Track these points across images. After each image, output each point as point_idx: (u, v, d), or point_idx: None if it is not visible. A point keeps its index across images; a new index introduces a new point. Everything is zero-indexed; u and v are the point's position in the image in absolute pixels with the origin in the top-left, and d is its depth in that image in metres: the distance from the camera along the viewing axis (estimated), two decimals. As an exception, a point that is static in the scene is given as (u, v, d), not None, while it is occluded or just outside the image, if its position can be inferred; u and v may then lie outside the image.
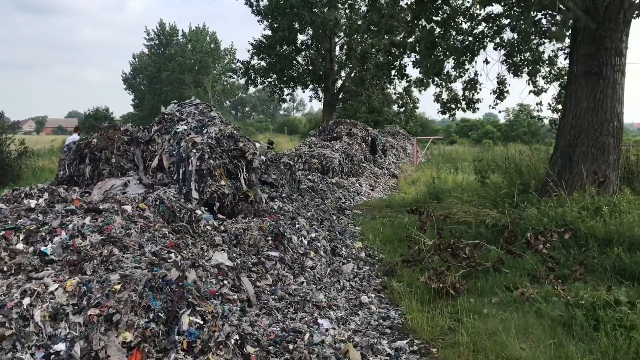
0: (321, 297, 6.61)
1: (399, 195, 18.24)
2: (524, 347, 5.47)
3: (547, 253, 8.01)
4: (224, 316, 4.34)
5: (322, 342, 5.26)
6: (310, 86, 36.34)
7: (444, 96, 15.80)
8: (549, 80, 17.07)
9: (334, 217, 11.94)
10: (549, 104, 16.48)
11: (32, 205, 6.25)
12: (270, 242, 7.29)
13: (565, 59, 15.81)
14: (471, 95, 15.23)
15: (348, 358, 5.17)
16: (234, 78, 66.51)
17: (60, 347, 3.79)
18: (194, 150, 7.86)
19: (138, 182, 7.90)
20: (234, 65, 57.61)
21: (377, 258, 9.37)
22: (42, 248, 5.16)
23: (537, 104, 17.20)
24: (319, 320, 5.98)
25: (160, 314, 3.94)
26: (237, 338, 4.12)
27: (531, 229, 8.24)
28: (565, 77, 13.80)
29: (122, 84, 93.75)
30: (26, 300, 3.99)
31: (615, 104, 10.91)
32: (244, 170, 8.26)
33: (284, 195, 9.84)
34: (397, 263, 8.81)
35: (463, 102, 15.44)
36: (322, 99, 36.70)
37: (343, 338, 5.59)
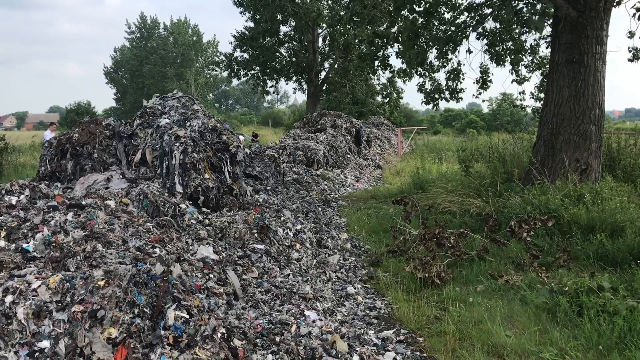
0: (307, 288, 6.60)
1: (384, 186, 18.29)
2: (509, 335, 5.51)
3: (530, 241, 8.08)
4: (210, 310, 4.31)
5: (309, 334, 5.27)
6: (294, 78, 36.20)
7: (427, 86, 15.83)
8: (531, 69, 17.20)
9: (319, 209, 11.94)
10: (531, 92, 16.59)
11: (13, 202, 6.15)
12: (255, 235, 7.26)
13: (547, 47, 15.92)
14: (454, 85, 15.27)
15: (335, 349, 5.18)
16: (216, 71, 66.15)
17: (45, 344, 3.74)
18: (177, 144, 7.79)
19: (121, 176, 7.82)
20: (216, 58, 57.21)
21: (362, 249, 9.39)
22: (24, 245, 5.08)
23: (519, 93, 17.32)
24: (306, 312, 5.98)
25: (145, 309, 3.90)
26: (224, 331, 4.10)
27: (515, 217, 8.29)
28: (547, 66, 13.87)
29: (103, 78, 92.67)
30: (9, 298, 3.93)
31: (597, 91, 11.00)
32: (228, 164, 8.21)
33: (268, 187, 9.80)
34: (383, 253, 8.84)
35: (447, 92, 15.48)
36: (306, 91, 36.60)
37: (330, 329, 5.60)
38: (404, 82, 33.71)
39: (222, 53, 36.87)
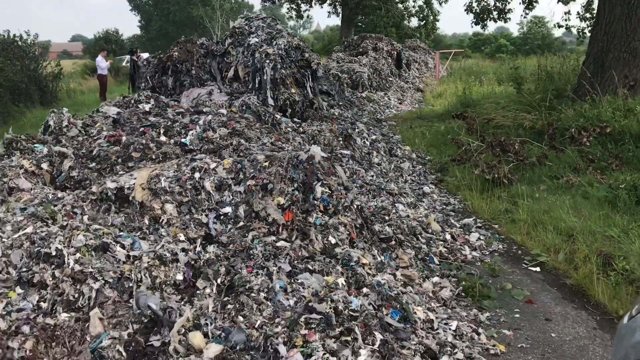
0: (393, 186, 7.57)
1: (428, 108, 18.90)
2: (576, 220, 6.43)
3: (583, 149, 8.89)
4: (345, 188, 5.27)
5: (407, 217, 6.26)
6: (328, 1, 36.10)
7: (475, 6, 16.15)
8: (578, -13, 17.32)
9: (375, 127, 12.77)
10: (578, 12, 16.79)
11: (147, 109, 7.11)
12: (341, 141, 8.18)
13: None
14: (503, 5, 15.59)
15: (431, 228, 6.18)
16: (244, -5, 65.27)
17: (227, 210, 4.74)
18: (268, 61, 8.61)
19: (219, 90, 8.70)
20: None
21: (426, 159, 10.28)
22: (183, 139, 6.07)
23: (565, 13, 17.53)
24: (396, 204, 6.95)
25: (300, 184, 4.87)
26: (358, 204, 5.08)
27: (575, 125, 9.05)
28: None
29: (126, 5, 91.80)
30: (197, 175, 4.92)
31: (649, 8, 11.42)
32: (310, 79, 9.03)
33: (341, 103, 10.63)
34: (447, 162, 9.73)
35: (495, 12, 15.82)
36: (340, 14, 36.52)
37: (421, 215, 6.59)
38: (440, 4, 33.58)
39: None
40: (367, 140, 8.97)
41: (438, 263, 5.51)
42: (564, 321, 4.59)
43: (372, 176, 7.85)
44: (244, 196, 4.81)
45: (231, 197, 4.85)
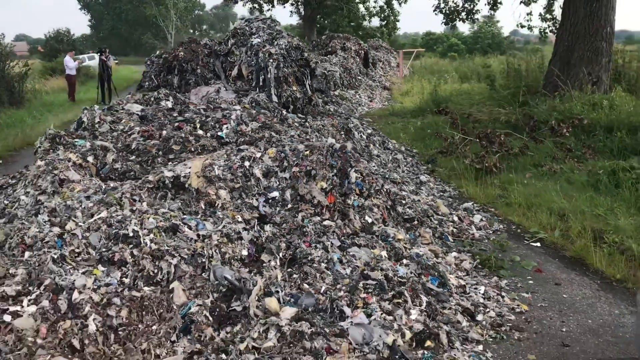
0: (395, 175, 8.18)
1: (398, 105, 19.65)
2: (565, 202, 7.19)
3: (559, 140, 9.74)
4: (373, 173, 5.83)
5: (418, 201, 6.87)
6: (291, 1, 36.57)
7: (442, 5, 16.94)
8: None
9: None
10: (540, 13, 17.79)
11: (170, 106, 7.49)
12: (342, 135, 8.75)
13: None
14: (471, 6, 16.46)
15: (440, 211, 6.82)
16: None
17: (275, 194, 5.23)
18: (271, 60, 9.10)
19: (224, 89, 9.13)
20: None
21: (413, 152, 10.95)
22: (219, 133, 6.49)
23: (527, 14, 18.51)
24: (401, 191, 7.56)
25: (337, 170, 5.41)
26: (387, 188, 5.65)
27: (555, 117, 9.90)
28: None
29: (72, 4, 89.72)
30: (246, 163, 5.39)
31: (609, 11, 12.47)
32: (309, 77, 9.57)
33: (333, 100, 11.20)
34: (434, 154, 10.43)
35: (463, 13, 16.67)
36: (302, 14, 37.05)
37: (428, 200, 7.23)
38: (400, 4, 34.57)
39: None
40: (363, 134, 9.57)
41: (452, 241, 6.15)
42: (571, 285, 5.29)
43: (373, 167, 8.44)
44: (289, 181, 5.33)
45: (277, 182, 5.35)
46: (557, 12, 16.27)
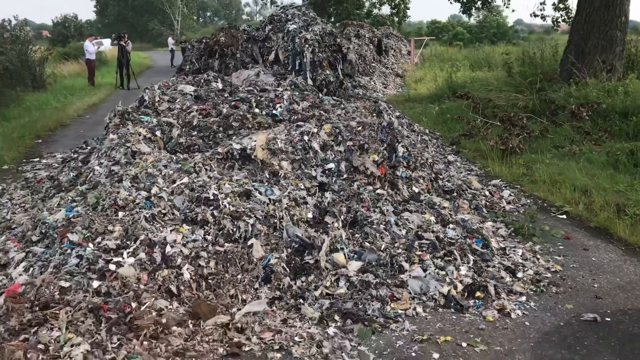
0: (426, 155, 8.70)
1: (413, 92, 20.13)
2: (587, 179, 7.73)
3: (575, 124, 10.27)
4: (416, 148, 6.37)
5: (452, 176, 7.41)
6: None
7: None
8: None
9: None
10: (553, 3, 18.12)
11: (220, 87, 8.01)
12: (375, 116, 9.25)
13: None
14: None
15: (473, 186, 7.37)
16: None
17: (331, 165, 5.77)
18: (307, 45, 9.61)
19: (263, 72, 9.65)
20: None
21: (437, 134, 11.48)
22: (274, 111, 7.04)
23: (541, 4, 18.87)
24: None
25: (387, 145, 5.95)
26: (431, 161, 6.20)
27: (574, 102, 10.42)
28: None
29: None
30: (305, 137, 5.93)
31: (624, 0, 12.93)
32: (341, 62, 10.09)
33: (362, 84, 11.73)
34: (457, 137, 10.95)
35: (479, 2, 17.11)
36: (314, 1, 37.34)
37: (460, 177, 7.77)
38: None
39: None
40: (392, 116, 10.08)
41: (487, 212, 6.69)
42: (598, 250, 5.84)
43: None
44: (343, 154, 5.88)
45: (333, 155, 5.90)
46: (570, 1, 16.70)
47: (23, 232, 5.30)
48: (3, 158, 9.68)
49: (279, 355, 3.84)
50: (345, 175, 5.77)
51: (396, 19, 35.40)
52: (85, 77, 24.17)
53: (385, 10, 36.77)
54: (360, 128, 6.05)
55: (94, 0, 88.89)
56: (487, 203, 7.05)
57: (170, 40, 35.73)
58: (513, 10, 51.93)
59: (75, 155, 7.37)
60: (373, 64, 23.14)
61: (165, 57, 37.34)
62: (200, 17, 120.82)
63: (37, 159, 9.98)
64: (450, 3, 17.72)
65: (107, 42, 35.90)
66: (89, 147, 7.51)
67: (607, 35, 12.98)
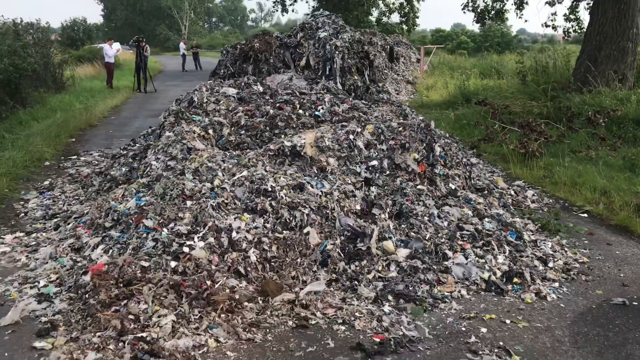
0: (460, 155, 9.17)
1: (425, 98, 20.63)
2: (605, 181, 8.18)
3: (591, 130, 10.74)
4: (452, 149, 6.84)
5: (480, 176, 7.87)
6: (312, -5, 37.37)
7: (475, 4, 17.88)
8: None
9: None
10: (564, 14, 18.67)
11: (261, 90, 8.50)
12: (401, 119, 9.73)
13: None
14: (500, 6, 17.41)
15: (499, 185, 7.82)
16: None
17: (374, 162, 6.24)
18: (337, 52, 10.11)
19: (295, 77, 10.13)
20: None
21: (456, 139, 11.94)
22: (316, 112, 7.51)
23: (552, 14, 19.41)
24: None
25: (426, 144, 6.42)
26: (465, 161, 6.68)
27: (591, 109, 10.89)
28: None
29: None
30: (351, 136, 6.40)
31: (636, 13, 13.44)
32: (368, 68, 10.58)
33: (385, 89, 12.22)
34: (476, 141, 11.42)
35: (492, 12, 17.62)
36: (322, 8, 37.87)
37: (486, 177, 8.22)
38: (418, 1, 35.45)
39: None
40: (416, 119, 10.56)
41: (514, 209, 7.15)
42: (620, 245, 6.29)
43: (431, 149, 9.44)
44: (385, 152, 6.35)
45: (376, 153, 6.37)
46: (581, 13, 17.19)
47: (91, 220, 5.77)
48: (44, 155, 10.20)
49: (343, 327, 4.30)
50: (387, 172, 6.24)
51: (405, 27, 35.93)
52: (102, 80, 24.67)
53: (395, 18, 37.29)
54: (401, 128, 6.52)
55: (101, 4, 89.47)
56: (513, 201, 7.50)
57: (182, 45, 36.27)
58: (526, 21, 52.46)
59: (125, 152, 7.84)
60: (385, 71, 23.62)
61: (174, 62, 37.89)
62: (205, 22, 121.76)
63: (75, 157, 10.49)
64: (464, 12, 18.24)
65: (116, 46, 36.51)
66: (137, 145, 7.99)
67: (619, 46, 13.48)
